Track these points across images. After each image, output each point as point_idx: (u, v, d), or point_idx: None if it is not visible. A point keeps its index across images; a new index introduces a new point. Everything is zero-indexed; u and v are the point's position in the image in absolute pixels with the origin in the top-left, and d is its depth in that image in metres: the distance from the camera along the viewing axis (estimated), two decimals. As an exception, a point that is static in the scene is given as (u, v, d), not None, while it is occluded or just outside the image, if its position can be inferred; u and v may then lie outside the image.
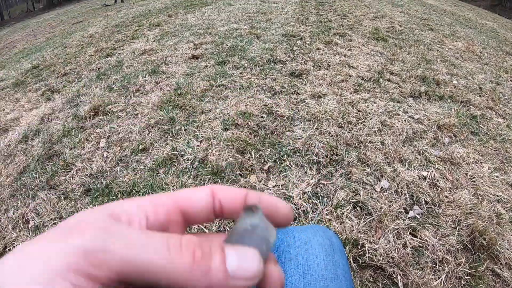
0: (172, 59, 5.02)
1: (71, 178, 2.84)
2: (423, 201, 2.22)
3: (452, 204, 2.24)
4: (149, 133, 3.14)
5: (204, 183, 2.39)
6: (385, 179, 2.39)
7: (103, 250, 0.25)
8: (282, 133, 2.86)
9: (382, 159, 2.57)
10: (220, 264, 0.27)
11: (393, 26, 6.55)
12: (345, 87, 3.66)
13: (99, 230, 0.27)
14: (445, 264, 1.88)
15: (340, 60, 4.44)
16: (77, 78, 5.47)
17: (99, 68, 5.58)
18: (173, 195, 0.34)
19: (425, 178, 2.44)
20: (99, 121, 3.57)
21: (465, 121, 3.18)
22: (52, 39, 11.20)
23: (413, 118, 3.14)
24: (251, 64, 4.38)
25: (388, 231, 1.99)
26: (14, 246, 2.38)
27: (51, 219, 2.50)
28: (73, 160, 3.04)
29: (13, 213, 2.68)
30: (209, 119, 3.19)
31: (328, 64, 4.30)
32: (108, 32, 8.66)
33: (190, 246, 0.27)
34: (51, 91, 5.30)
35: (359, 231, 2.00)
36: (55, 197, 2.68)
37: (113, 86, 4.42)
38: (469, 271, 1.85)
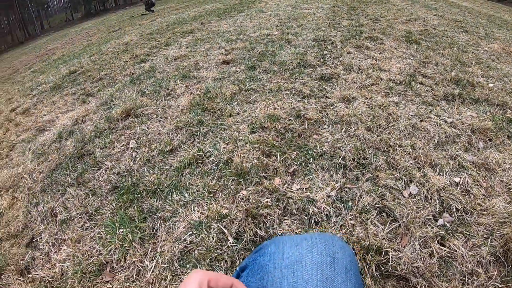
0: (203, 65, 5.09)
1: (99, 176, 2.94)
2: (454, 209, 2.12)
3: (485, 212, 2.13)
4: (177, 135, 3.19)
5: (227, 184, 2.41)
6: (414, 184, 2.30)
7: None
8: (309, 136, 2.83)
9: (411, 163, 2.49)
10: None
11: (426, 29, 6.40)
12: (375, 90, 3.60)
13: None
14: (475, 277, 1.78)
15: (371, 64, 4.38)
16: (112, 83, 5.62)
17: (132, 74, 5.71)
18: None
19: (457, 184, 2.33)
20: (130, 123, 3.66)
21: (501, 125, 3.04)
22: (90, 47, 11.54)
23: (446, 121, 3.03)
24: (281, 69, 4.38)
25: (415, 239, 1.91)
26: (41, 238, 2.47)
27: (77, 213, 2.58)
28: (103, 159, 3.14)
29: (43, 207, 2.79)
30: (237, 122, 3.21)
31: (358, 67, 4.25)
32: (142, 39, 8.87)
33: None
34: (86, 94, 5.48)
35: (384, 238, 1.93)
36: (83, 193, 2.77)
37: (145, 90, 4.52)
38: (500, 286, 1.74)
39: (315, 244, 0.81)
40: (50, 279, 2.11)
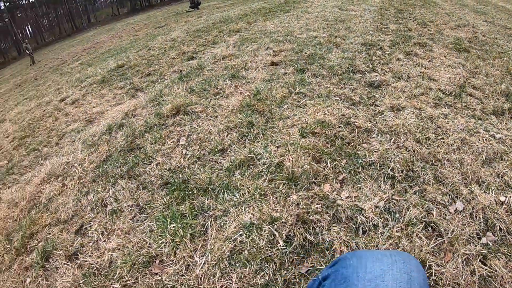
0: (251, 65, 5.17)
1: (150, 170, 3.04)
2: (498, 228, 2.09)
3: (528, 234, 2.12)
4: (228, 135, 3.27)
5: (278, 188, 2.47)
6: (461, 200, 2.29)
7: None
8: (358, 145, 2.86)
9: (459, 179, 2.47)
10: None
11: (476, 36, 6.24)
12: (425, 100, 3.57)
13: None
14: (511, 299, 1.79)
15: (420, 72, 4.33)
16: (160, 79, 5.76)
17: (181, 71, 5.84)
18: None
19: (502, 203, 2.28)
20: (180, 120, 3.76)
21: (552, 144, 2.99)
22: (136, 42, 11.80)
23: (494, 137, 2.96)
24: (330, 73, 4.40)
25: (458, 255, 1.91)
26: (90, 226, 2.59)
27: (128, 205, 2.69)
28: (153, 154, 3.25)
29: (93, 196, 2.92)
30: (287, 125, 3.26)
31: (408, 75, 4.22)
32: (189, 36, 9.01)
33: None
34: (135, 89, 5.63)
35: (428, 252, 1.94)
36: (134, 186, 2.88)
37: (194, 88, 4.62)
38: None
39: (395, 261, 0.86)
40: (98, 266, 2.22)
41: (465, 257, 1.92)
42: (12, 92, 12.37)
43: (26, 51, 24.66)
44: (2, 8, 63.95)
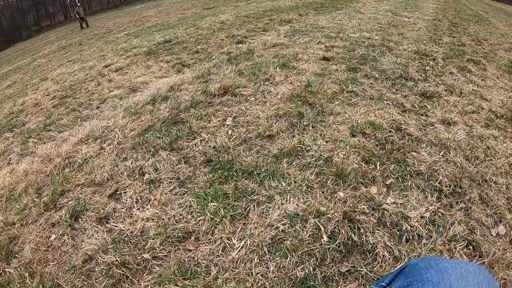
0: (303, 57, 5.15)
1: (194, 146, 3.04)
2: None
3: None
4: (276, 122, 3.27)
5: (326, 182, 2.46)
6: (504, 225, 2.25)
7: None
8: (408, 152, 2.82)
9: (504, 203, 2.42)
10: None
11: (529, 62, 6.09)
12: (476, 119, 3.50)
13: None
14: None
15: (473, 89, 4.24)
16: (208, 58, 5.78)
17: (230, 53, 5.85)
18: None
19: None
20: (227, 100, 3.77)
21: None
22: (184, 20, 11.87)
23: None
24: (382, 76, 4.36)
25: (496, 278, 1.89)
26: (125, 192, 2.59)
27: (167, 177, 2.69)
28: (198, 130, 3.26)
29: (131, 163, 2.92)
30: (337, 121, 3.25)
31: (460, 91, 4.14)
32: (239, 21, 9.03)
33: None
34: (182, 64, 5.67)
35: (468, 272, 1.94)
36: (176, 159, 2.88)
37: (243, 71, 4.63)
38: None
39: (481, 282, 0.77)
40: (129, 234, 2.22)
41: (503, 281, 1.89)
42: (56, 54, 12.60)
43: (77, 15, 24.86)
44: (52, -28, 64.97)
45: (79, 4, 27.28)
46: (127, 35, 11.45)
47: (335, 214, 2.17)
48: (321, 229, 2.08)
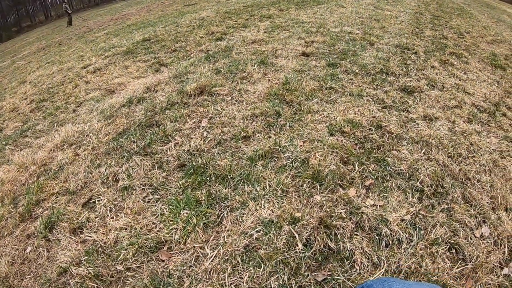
0: (282, 53, 5.05)
1: (168, 150, 2.95)
2: None
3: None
4: (252, 122, 3.17)
5: (302, 186, 2.36)
6: (487, 225, 2.18)
7: None
8: (388, 151, 2.73)
9: (488, 202, 2.35)
10: None
11: (512, 54, 6.07)
12: (458, 114, 3.43)
13: None
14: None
15: (455, 83, 4.19)
16: (186, 56, 5.70)
17: (208, 50, 5.76)
18: None
19: None
20: (204, 101, 3.68)
21: None
22: (165, 17, 11.80)
23: None
24: (363, 72, 4.27)
25: (480, 284, 1.82)
26: (99, 201, 2.52)
27: (140, 184, 2.61)
28: (172, 133, 3.17)
29: (105, 170, 2.85)
30: (315, 120, 3.15)
31: (442, 85, 4.07)
32: (219, 17, 8.97)
33: None
34: (159, 64, 5.59)
35: (450, 276, 1.84)
36: (149, 164, 2.79)
37: (221, 69, 4.53)
38: None
39: None
40: (102, 244, 2.15)
41: (487, 286, 1.83)
42: (36, 55, 12.45)
43: (67, 11, 24.44)
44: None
45: (65, 0, 26.78)
46: (107, 34, 11.31)
47: (311, 220, 2.08)
48: (295, 236, 1.99)
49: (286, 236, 1.99)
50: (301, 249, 1.93)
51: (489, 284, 1.83)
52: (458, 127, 3.19)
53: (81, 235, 2.27)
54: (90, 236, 2.23)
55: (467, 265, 1.92)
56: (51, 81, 6.53)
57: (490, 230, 2.15)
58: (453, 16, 9.01)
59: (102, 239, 2.18)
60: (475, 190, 2.45)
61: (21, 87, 7.02)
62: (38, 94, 5.84)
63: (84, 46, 9.92)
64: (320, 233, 2.00)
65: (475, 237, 2.10)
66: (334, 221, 2.06)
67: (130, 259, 2.00)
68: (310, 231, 2.02)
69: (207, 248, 2.01)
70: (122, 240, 2.14)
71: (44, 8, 61.70)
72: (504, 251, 2.03)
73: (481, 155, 2.83)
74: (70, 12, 24.23)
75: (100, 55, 7.38)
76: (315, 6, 9.09)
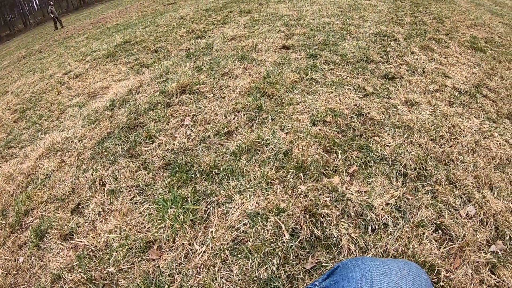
0: (262, 47, 5.04)
1: (152, 150, 2.95)
2: (508, 237, 2.01)
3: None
4: (234, 117, 3.17)
5: (286, 177, 2.37)
6: (472, 205, 2.21)
7: None
8: (370, 137, 2.75)
9: (472, 182, 2.38)
10: None
11: (491, 37, 6.08)
12: (439, 97, 3.46)
13: None
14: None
15: (435, 68, 4.22)
16: (167, 56, 5.67)
17: (188, 49, 5.74)
18: None
19: None
20: (186, 99, 3.66)
21: None
22: (144, 18, 11.72)
23: (508, 142, 2.87)
24: (343, 61, 4.28)
25: (468, 262, 1.84)
26: (87, 205, 2.51)
27: (127, 185, 2.61)
28: (156, 133, 3.16)
29: (92, 174, 2.84)
30: (297, 111, 3.15)
31: (423, 70, 4.10)
32: (199, 15, 8.91)
33: None
34: (140, 65, 5.55)
35: (438, 256, 1.87)
36: (135, 166, 2.79)
37: (202, 67, 4.52)
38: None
39: (404, 277, 0.79)
40: (93, 248, 2.15)
41: (475, 264, 1.85)
42: (16, 64, 12.29)
43: (51, 14, 24.05)
44: (9, -21, 63.48)
45: (51, 3, 26.28)
46: (87, 38, 11.19)
47: (296, 210, 2.09)
48: (282, 227, 2.00)
49: (273, 227, 2.00)
50: (288, 239, 1.94)
51: (477, 261, 1.85)
52: (439, 110, 3.22)
53: (71, 241, 2.26)
54: (81, 241, 2.22)
55: (454, 244, 1.94)
56: (33, 89, 6.45)
57: (476, 209, 2.18)
58: (432, 2, 9.03)
59: (93, 243, 2.18)
60: (458, 171, 2.48)
61: (3, 97, 6.91)
62: (21, 104, 5.76)
63: (65, 52, 9.81)
64: (306, 222, 2.02)
65: (461, 216, 2.13)
66: (320, 209, 2.08)
67: (121, 261, 2.01)
68: (296, 220, 2.03)
69: (196, 244, 2.01)
70: (113, 243, 2.14)
71: (23, 15, 61.00)
72: (490, 229, 2.06)
73: (463, 136, 2.87)
74: (57, 15, 23.92)
75: (81, 60, 7.31)
76: (294, -1, 9.09)
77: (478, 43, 5.54)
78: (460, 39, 5.66)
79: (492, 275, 1.81)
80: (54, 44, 14.23)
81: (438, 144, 2.74)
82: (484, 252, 1.92)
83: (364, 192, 2.24)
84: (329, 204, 2.12)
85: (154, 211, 2.29)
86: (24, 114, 5.17)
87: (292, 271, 1.79)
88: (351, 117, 3.03)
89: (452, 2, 9.58)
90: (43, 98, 5.58)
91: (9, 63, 13.87)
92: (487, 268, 1.84)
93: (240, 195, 2.26)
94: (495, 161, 2.63)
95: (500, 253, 1.93)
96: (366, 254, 1.87)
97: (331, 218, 2.04)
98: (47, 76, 7.13)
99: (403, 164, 2.47)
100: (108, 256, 2.06)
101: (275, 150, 2.63)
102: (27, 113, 5.16)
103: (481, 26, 6.92)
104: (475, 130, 2.98)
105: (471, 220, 2.11)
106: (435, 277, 1.78)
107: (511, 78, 4.24)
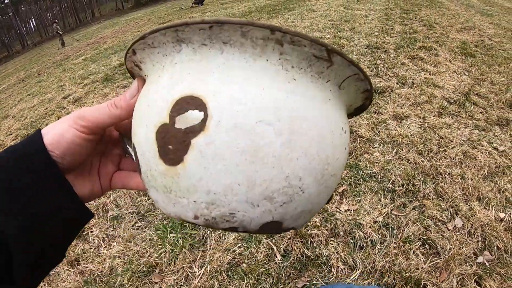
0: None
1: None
2: (495, 247, 2.07)
3: (525, 254, 2.08)
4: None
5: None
6: (460, 217, 2.27)
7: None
8: (360, 155, 2.84)
9: (459, 194, 2.45)
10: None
11: (482, 40, 6.12)
12: (428, 109, 3.54)
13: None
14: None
15: (425, 78, 4.28)
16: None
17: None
18: None
19: (501, 220, 2.26)
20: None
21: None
22: (140, 38, 11.76)
23: (497, 150, 2.93)
24: (333, 78, 4.32)
25: (453, 275, 1.90)
26: (91, 232, 2.57)
27: (129, 212, 2.68)
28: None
29: (95, 201, 2.87)
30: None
31: (412, 81, 4.18)
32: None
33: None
34: (138, 90, 5.59)
35: (424, 271, 1.94)
36: (135, 193, 2.85)
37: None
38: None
39: None
40: (99, 273, 2.22)
41: (460, 277, 1.91)
42: (16, 87, 12.32)
43: (58, 32, 24.02)
44: (6, 1, 64.08)
45: (56, 21, 26.34)
46: (85, 60, 11.27)
47: (287, 232, 2.16)
48: (274, 248, 2.08)
49: (266, 249, 2.09)
50: (280, 260, 2.03)
51: (463, 274, 1.91)
52: (428, 123, 3.29)
53: (78, 266, 2.32)
54: (87, 267, 2.29)
55: (440, 258, 2.02)
56: (34, 114, 6.50)
57: (463, 222, 2.24)
58: (422, 7, 9.09)
59: (98, 268, 2.24)
60: (446, 184, 2.55)
61: (4, 122, 6.97)
62: (22, 129, 5.80)
63: (63, 74, 9.88)
64: (297, 243, 2.10)
65: (448, 230, 2.19)
66: (309, 230, 2.16)
67: (126, 285, 2.08)
68: (287, 242, 2.12)
69: (195, 267, 2.09)
70: (117, 267, 2.21)
71: (20, 37, 61.47)
72: (477, 240, 2.12)
73: (451, 148, 2.93)
74: (61, 33, 23.92)
75: (79, 83, 7.37)
76: (286, 13, 9.17)
77: (468, 48, 5.58)
78: (450, 45, 5.71)
79: (477, 287, 1.87)
80: (52, 66, 14.30)
81: (426, 158, 2.81)
82: (470, 265, 1.97)
83: (353, 210, 2.32)
84: (319, 224, 2.21)
85: (155, 236, 2.36)
86: (26, 140, 5.23)
87: (285, 291, 1.87)
88: (341, 136, 3.09)
89: (442, 6, 9.62)
90: (44, 124, 5.62)
91: (9, 86, 13.93)
92: (473, 280, 1.89)
93: (235, 218, 2.33)
94: (484, 171, 2.68)
95: (487, 264, 1.98)
96: (354, 271, 1.95)
97: (320, 238, 2.12)
98: (46, 100, 7.18)
99: (391, 181, 2.54)
100: (113, 280, 2.13)
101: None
102: (28, 139, 5.21)
103: (471, 29, 6.95)
104: (463, 141, 3.03)
105: (458, 233, 2.17)
106: (421, 291, 1.84)
107: (500, 82, 4.26)
